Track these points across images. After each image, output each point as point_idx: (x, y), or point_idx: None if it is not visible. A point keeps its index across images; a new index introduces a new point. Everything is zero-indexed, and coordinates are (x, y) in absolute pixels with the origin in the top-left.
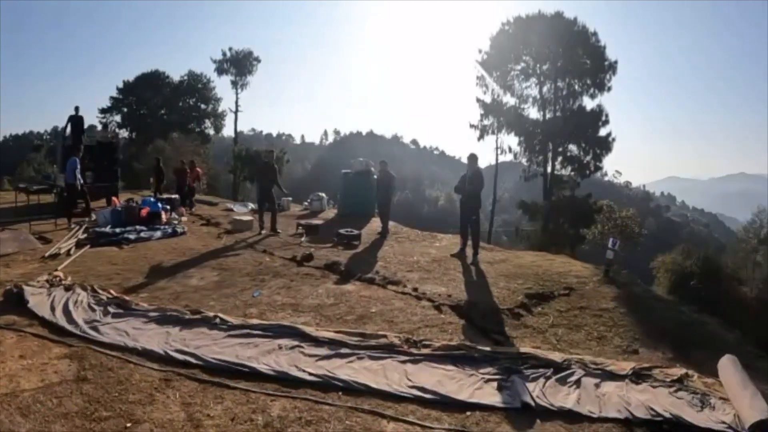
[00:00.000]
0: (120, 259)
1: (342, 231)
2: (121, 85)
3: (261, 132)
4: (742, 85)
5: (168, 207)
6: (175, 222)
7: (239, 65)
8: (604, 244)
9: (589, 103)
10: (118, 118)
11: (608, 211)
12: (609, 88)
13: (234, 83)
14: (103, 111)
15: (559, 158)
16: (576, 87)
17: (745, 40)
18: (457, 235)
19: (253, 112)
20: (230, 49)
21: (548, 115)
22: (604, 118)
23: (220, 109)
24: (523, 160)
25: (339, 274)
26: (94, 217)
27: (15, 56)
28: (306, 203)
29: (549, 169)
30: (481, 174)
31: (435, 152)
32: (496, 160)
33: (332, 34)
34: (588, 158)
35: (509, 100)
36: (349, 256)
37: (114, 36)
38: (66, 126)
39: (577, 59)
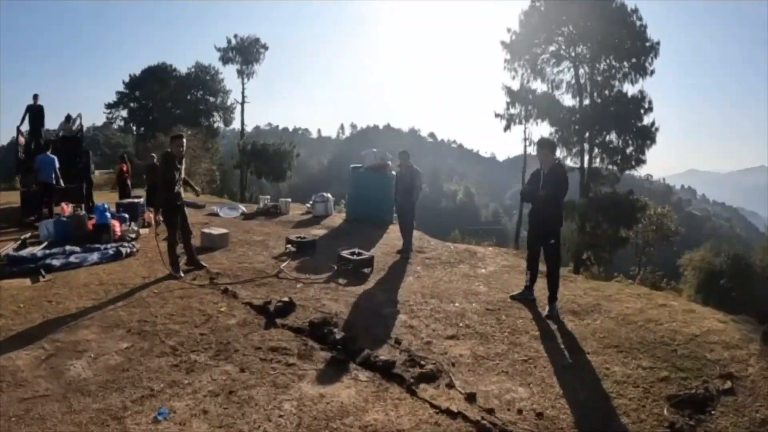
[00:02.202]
0: (10, 306)
1: (345, 253)
2: (127, 79)
3: (277, 126)
4: (764, 76)
5: (126, 215)
6: (131, 235)
7: (245, 53)
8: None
9: (629, 89)
10: (124, 113)
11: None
12: (651, 72)
13: (240, 72)
14: (109, 106)
15: (596, 150)
16: (614, 71)
17: None
18: (502, 249)
19: (269, 107)
20: (235, 36)
21: (585, 102)
22: (647, 105)
23: (229, 102)
24: (557, 153)
25: (331, 350)
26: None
27: (15, 56)
28: (308, 205)
29: (586, 163)
30: (564, 172)
31: (453, 145)
32: (524, 152)
33: (349, 27)
34: (630, 150)
35: (539, 86)
36: (352, 302)
37: (119, 31)
38: (23, 118)
39: (616, 40)
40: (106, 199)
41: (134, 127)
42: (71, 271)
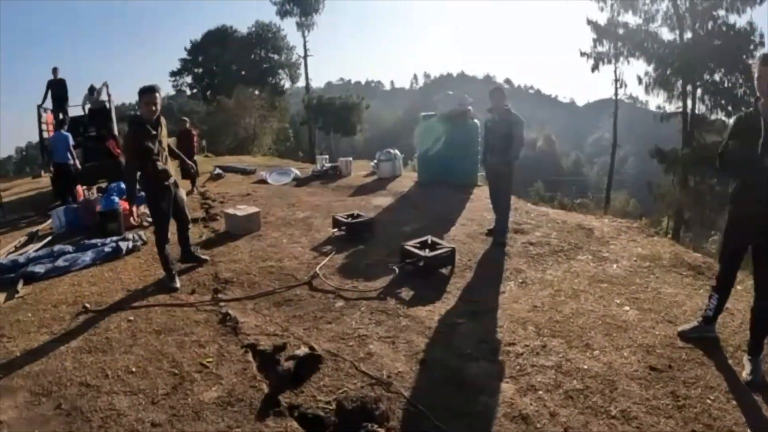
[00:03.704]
0: None
1: (411, 246)
2: (188, 46)
3: (349, 81)
4: None
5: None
6: (150, 220)
7: (302, 4)
8: None
9: (736, 21)
10: (189, 79)
11: None
12: (761, 1)
13: (299, 25)
14: (173, 74)
15: (699, 92)
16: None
17: None
18: (622, 223)
19: (340, 61)
20: None
21: (686, 36)
22: (757, 39)
23: (293, 58)
24: (654, 96)
25: None
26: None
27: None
28: (372, 164)
29: (688, 108)
30: None
31: (530, 91)
32: (616, 95)
33: None
34: (738, 91)
35: (631, 19)
36: (419, 347)
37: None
38: (45, 95)
39: None
40: None
41: (199, 92)
42: (56, 279)
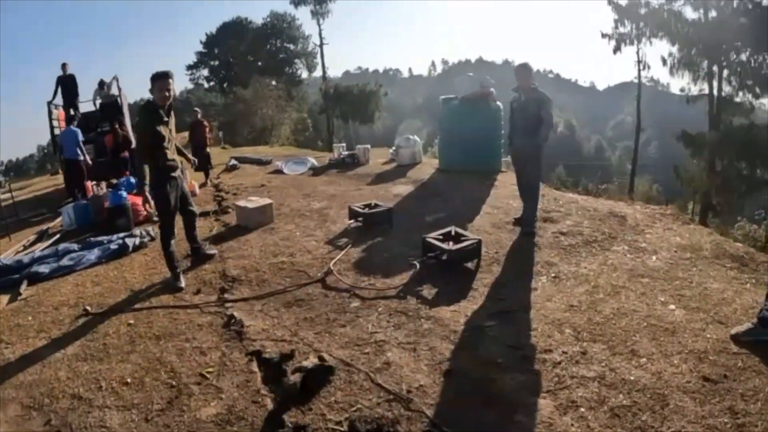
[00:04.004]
0: None
1: (434, 238)
2: (204, 39)
3: (367, 69)
4: None
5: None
6: (156, 218)
7: None
8: None
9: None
10: (205, 72)
11: None
12: None
13: (314, 13)
14: (189, 67)
15: (726, 72)
16: None
17: None
18: (655, 210)
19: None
20: None
21: (711, 15)
22: None
23: (309, 47)
24: (679, 78)
25: None
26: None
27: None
28: (391, 151)
29: (715, 89)
30: None
31: (549, 75)
32: (639, 76)
33: None
34: (766, 71)
35: None
36: (444, 353)
37: None
38: (56, 91)
39: None
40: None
41: (216, 84)
42: (60, 279)
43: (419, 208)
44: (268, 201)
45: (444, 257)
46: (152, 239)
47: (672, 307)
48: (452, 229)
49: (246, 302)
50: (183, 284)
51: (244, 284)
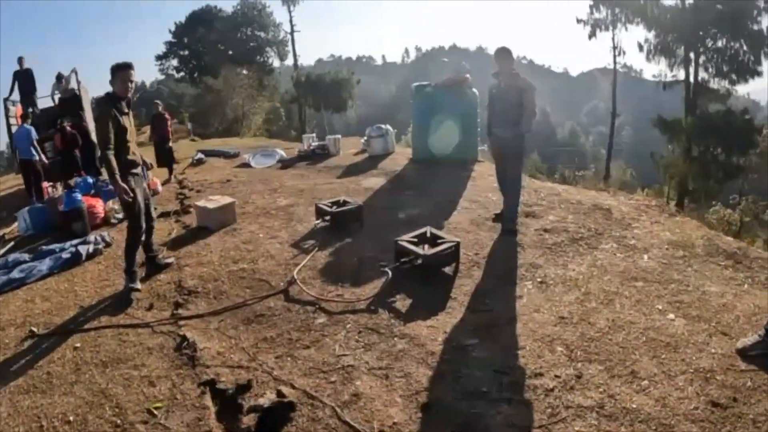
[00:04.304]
0: None
1: (407, 242)
2: (173, 29)
3: (341, 57)
4: None
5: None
6: (118, 216)
7: None
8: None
9: None
10: (175, 62)
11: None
12: None
13: (284, 0)
14: (159, 58)
15: (702, 59)
16: None
17: None
18: (640, 202)
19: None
20: None
21: (688, 1)
22: (762, 4)
23: (281, 36)
24: (656, 64)
25: None
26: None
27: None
28: (363, 141)
29: (691, 76)
30: None
31: (523, 61)
32: (614, 63)
33: None
34: (743, 58)
35: None
36: (421, 382)
37: None
38: (12, 86)
39: None
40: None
41: (186, 75)
42: (9, 294)
43: (392, 203)
44: (229, 200)
45: (419, 262)
46: (107, 245)
47: (671, 316)
48: (427, 229)
49: (202, 319)
50: (138, 286)
51: (201, 297)
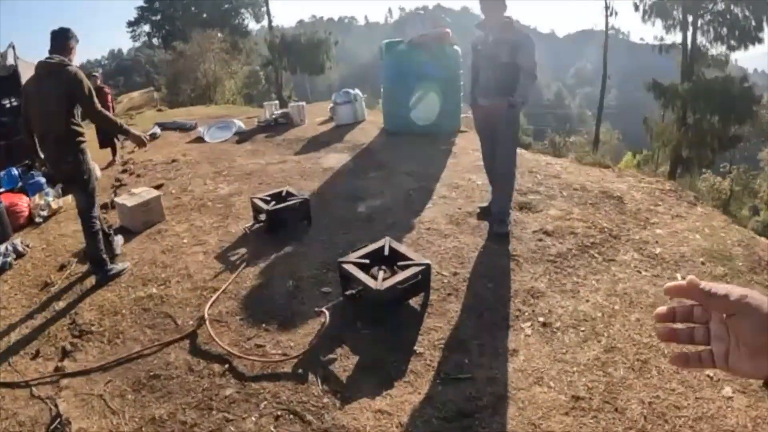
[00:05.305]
0: None
1: (355, 264)
2: None
3: (322, 18)
4: None
5: (42, 180)
6: (43, 213)
7: None
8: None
9: None
10: (147, 28)
11: None
12: None
13: None
14: (130, 24)
15: (700, 22)
16: None
17: None
18: (652, 184)
19: None
20: None
21: None
22: None
23: None
24: (651, 26)
25: None
26: None
27: None
28: (330, 108)
29: (689, 39)
30: None
31: None
32: (606, 23)
33: None
34: (745, 23)
35: None
36: None
37: None
38: None
39: None
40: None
41: (160, 41)
42: None
43: (352, 190)
44: (155, 193)
45: (372, 296)
46: (19, 256)
47: (727, 390)
48: (386, 242)
49: (87, 377)
50: (127, 265)
51: (95, 339)
